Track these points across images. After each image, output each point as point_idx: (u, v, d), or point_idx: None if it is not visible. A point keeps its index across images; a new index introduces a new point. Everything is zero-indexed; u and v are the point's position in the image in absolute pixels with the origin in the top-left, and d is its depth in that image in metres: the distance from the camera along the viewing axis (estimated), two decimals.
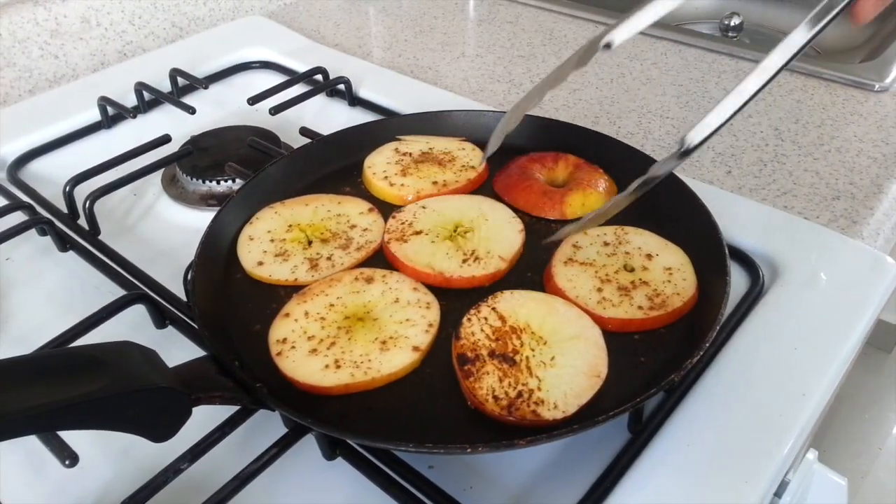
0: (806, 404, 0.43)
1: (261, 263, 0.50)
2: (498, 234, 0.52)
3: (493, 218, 0.53)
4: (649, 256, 0.49)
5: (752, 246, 0.54)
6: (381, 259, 0.51)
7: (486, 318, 0.44)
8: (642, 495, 0.39)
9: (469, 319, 0.44)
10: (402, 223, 0.53)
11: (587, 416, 0.38)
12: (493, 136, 0.52)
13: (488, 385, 0.40)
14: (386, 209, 0.55)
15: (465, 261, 0.49)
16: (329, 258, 0.50)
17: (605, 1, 0.98)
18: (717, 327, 0.42)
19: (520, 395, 0.40)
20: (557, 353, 0.42)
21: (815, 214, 0.59)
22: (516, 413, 0.39)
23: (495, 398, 0.39)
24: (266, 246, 0.51)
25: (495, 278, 0.49)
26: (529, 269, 0.50)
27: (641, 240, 0.50)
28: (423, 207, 0.54)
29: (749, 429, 0.42)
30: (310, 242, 0.51)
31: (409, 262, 0.49)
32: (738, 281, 0.51)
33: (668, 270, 0.48)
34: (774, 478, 0.40)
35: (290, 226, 0.53)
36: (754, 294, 0.50)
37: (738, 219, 0.55)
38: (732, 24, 1.04)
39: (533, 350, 0.42)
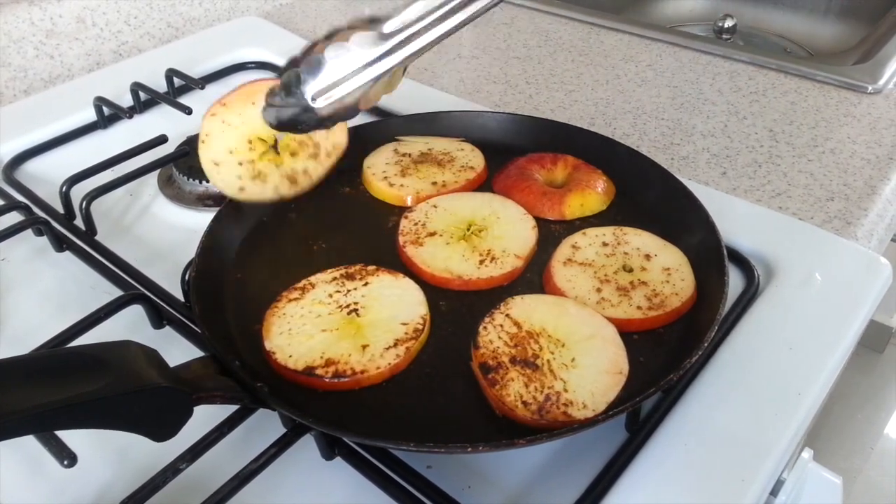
0: (801, 404, 0.43)
1: (242, 189, 0.49)
2: (511, 232, 0.52)
3: (505, 216, 0.53)
4: (648, 257, 0.49)
5: (747, 247, 0.54)
6: (389, 253, 0.51)
7: (501, 325, 0.44)
8: (639, 495, 0.39)
9: (485, 328, 0.44)
10: (416, 224, 0.53)
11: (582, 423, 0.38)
12: None
13: (515, 391, 0.40)
14: (383, 209, 0.55)
15: (482, 262, 0.49)
16: (305, 171, 0.50)
17: (599, 3, 0.98)
18: (716, 327, 0.42)
19: (548, 398, 0.40)
20: (577, 353, 0.42)
21: (809, 215, 0.59)
22: (548, 416, 0.39)
23: (525, 404, 0.40)
24: (237, 170, 0.50)
25: (512, 277, 0.49)
26: (529, 270, 0.50)
27: (640, 240, 0.51)
28: (435, 206, 0.54)
29: (745, 428, 0.42)
30: (277, 153, 0.51)
31: (427, 268, 0.49)
32: (733, 281, 0.52)
33: (666, 271, 0.48)
34: (770, 477, 0.40)
35: (251, 141, 0.50)
36: (749, 294, 0.51)
37: (734, 220, 0.55)
38: (726, 25, 1.05)
39: (553, 353, 0.42)
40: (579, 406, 0.39)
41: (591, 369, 0.41)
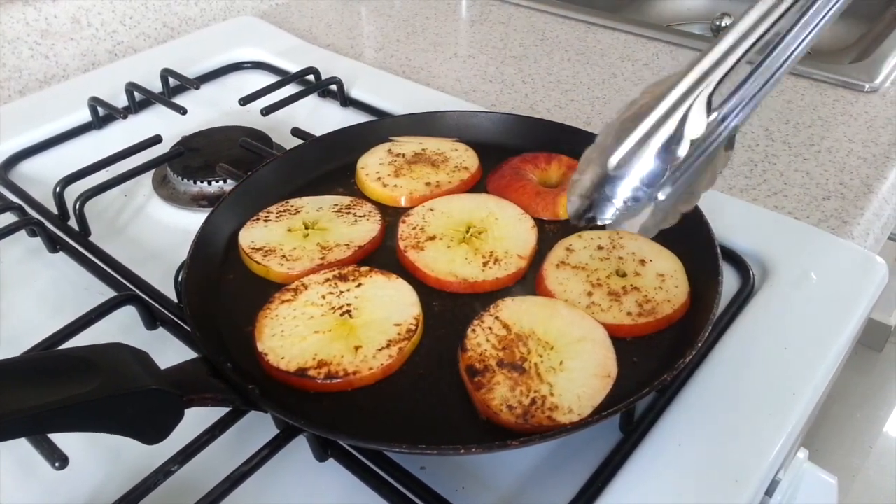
0: (796, 404, 0.43)
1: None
2: (511, 232, 0.52)
3: (503, 217, 0.53)
4: (642, 262, 0.49)
5: (742, 246, 0.54)
6: (384, 255, 0.51)
7: (490, 328, 0.44)
8: (633, 495, 0.39)
9: (473, 330, 0.44)
10: (414, 228, 0.52)
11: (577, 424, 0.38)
12: None
13: (501, 395, 0.40)
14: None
15: (485, 264, 0.49)
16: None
17: (596, 2, 0.98)
18: (709, 328, 0.42)
19: (533, 402, 0.39)
20: (565, 356, 0.42)
21: (805, 214, 0.59)
22: (532, 420, 0.38)
23: (509, 408, 0.39)
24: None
25: (517, 278, 0.49)
26: (529, 271, 0.50)
27: (636, 245, 0.50)
28: (431, 209, 0.54)
29: (739, 428, 0.42)
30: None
31: (431, 272, 0.48)
32: (728, 281, 0.51)
33: (660, 277, 0.48)
34: (765, 477, 0.40)
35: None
36: (745, 294, 0.50)
37: (729, 219, 0.55)
38: (723, 24, 1.05)
39: (541, 356, 0.42)
40: (565, 410, 0.39)
41: (579, 373, 0.41)
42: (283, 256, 0.50)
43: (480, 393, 0.40)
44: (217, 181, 0.63)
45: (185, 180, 0.63)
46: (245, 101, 0.70)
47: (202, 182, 0.63)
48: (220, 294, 0.49)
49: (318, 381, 0.41)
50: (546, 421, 0.38)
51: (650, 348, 0.44)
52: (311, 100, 0.76)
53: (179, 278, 0.49)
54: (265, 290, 0.48)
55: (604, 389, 0.40)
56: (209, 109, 0.76)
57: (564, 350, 0.42)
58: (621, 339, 0.44)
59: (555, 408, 0.39)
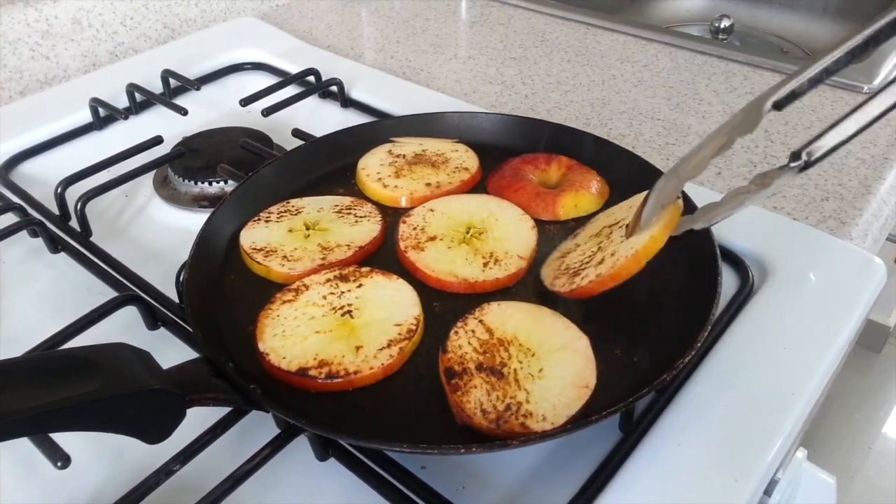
0: (795, 404, 0.43)
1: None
2: (512, 233, 0.52)
3: (503, 217, 0.53)
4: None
5: (741, 246, 0.54)
6: (385, 256, 0.52)
7: (473, 331, 0.44)
8: (633, 494, 0.39)
9: (456, 332, 0.44)
10: (415, 228, 0.52)
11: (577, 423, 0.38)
12: (648, 207, 0.45)
13: (476, 399, 0.40)
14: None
15: (486, 264, 0.49)
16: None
17: (595, 3, 0.98)
18: (709, 328, 0.42)
19: (508, 408, 0.39)
20: (545, 364, 0.42)
21: (804, 215, 0.59)
22: (505, 426, 0.38)
23: (483, 412, 0.39)
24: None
25: (518, 278, 0.49)
26: (529, 272, 0.50)
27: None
28: (432, 210, 0.54)
29: (739, 428, 0.42)
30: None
31: (432, 272, 0.49)
32: (727, 281, 0.52)
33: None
34: (764, 476, 0.40)
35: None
36: (744, 294, 0.51)
37: (728, 220, 0.55)
38: (722, 26, 1.05)
39: (521, 362, 0.42)
40: (538, 418, 0.39)
41: (557, 381, 0.41)
42: (284, 257, 0.50)
43: (456, 395, 0.40)
44: (218, 182, 0.63)
45: (186, 181, 0.63)
46: (246, 101, 0.70)
47: (203, 183, 0.63)
48: (221, 294, 0.49)
49: (320, 381, 0.42)
50: (519, 427, 0.38)
51: (650, 347, 0.44)
52: (312, 101, 0.76)
53: (181, 278, 0.49)
54: (266, 290, 0.48)
55: (580, 400, 0.40)
56: (210, 110, 0.77)
57: (545, 358, 0.42)
58: (622, 338, 0.44)
59: (529, 415, 0.39)
